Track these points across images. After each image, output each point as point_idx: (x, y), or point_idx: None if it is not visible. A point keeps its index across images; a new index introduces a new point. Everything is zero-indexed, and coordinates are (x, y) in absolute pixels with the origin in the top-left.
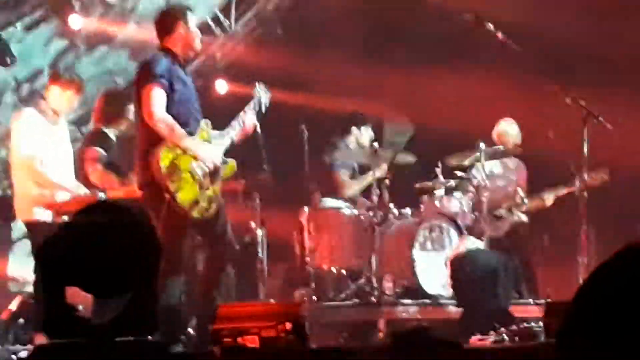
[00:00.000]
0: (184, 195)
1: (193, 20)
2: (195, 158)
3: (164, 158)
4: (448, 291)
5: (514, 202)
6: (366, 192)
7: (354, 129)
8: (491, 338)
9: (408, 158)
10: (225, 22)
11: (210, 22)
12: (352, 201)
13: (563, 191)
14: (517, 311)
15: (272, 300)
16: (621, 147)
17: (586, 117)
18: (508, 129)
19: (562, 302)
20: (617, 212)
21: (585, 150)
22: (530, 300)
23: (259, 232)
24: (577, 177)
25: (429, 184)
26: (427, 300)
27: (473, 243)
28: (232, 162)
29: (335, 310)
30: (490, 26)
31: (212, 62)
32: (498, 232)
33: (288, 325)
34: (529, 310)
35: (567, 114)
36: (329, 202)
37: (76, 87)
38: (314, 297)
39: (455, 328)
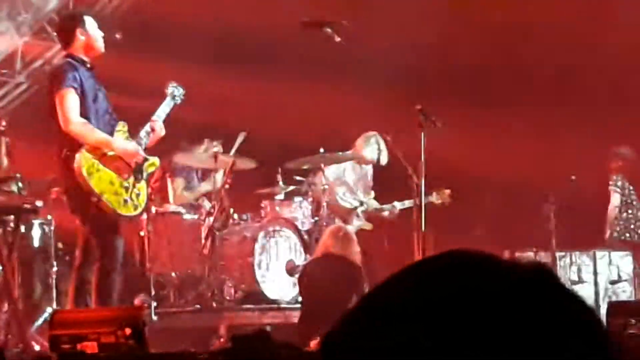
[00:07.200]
0: (110, 195)
1: (91, 22)
2: (118, 157)
3: (85, 162)
4: (288, 295)
5: (359, 204)
6: (207, 196)
7: (206, 140)
8: None
9: (248, 163)
10: None
11: (47, 26)
12: (193, 206)
13: (408, 204)
14: None
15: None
16: (460, 157)
17: (423, 122)
18: (366, 140)
19: None
20: (453, 217)
21: (422, 156)
22: None
23: None
24: (420, 191)
25: (269, 189)
26: (268, 305)
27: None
28: (154, 159)
29: (176, 316)
30: (329, 30)
31: (49, 66)
32: None
33: (127, 331)
34: None
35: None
36: (170, 207)
37: None
38: (154, 303)
39: (295, 331)
